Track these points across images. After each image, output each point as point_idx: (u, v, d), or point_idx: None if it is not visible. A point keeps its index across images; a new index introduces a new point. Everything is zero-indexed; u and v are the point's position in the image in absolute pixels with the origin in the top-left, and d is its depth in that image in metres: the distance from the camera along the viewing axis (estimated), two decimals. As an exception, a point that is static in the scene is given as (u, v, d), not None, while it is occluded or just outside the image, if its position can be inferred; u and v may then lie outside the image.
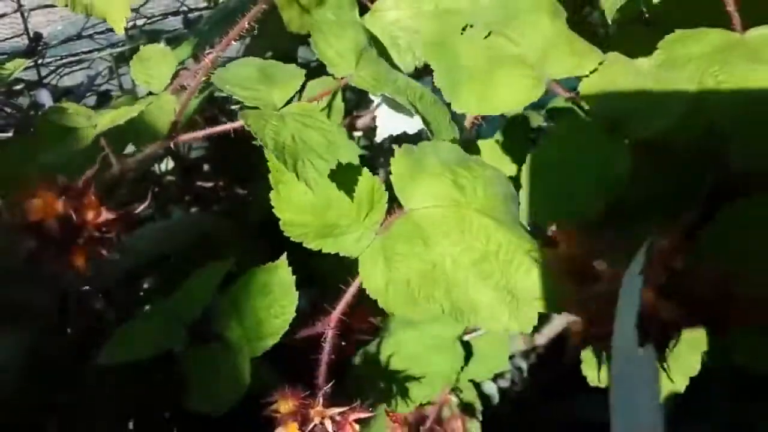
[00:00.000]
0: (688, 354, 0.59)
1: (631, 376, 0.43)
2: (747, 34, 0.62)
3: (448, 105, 0.68)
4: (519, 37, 0.66)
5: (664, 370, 0.52)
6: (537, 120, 1.04)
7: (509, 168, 0.83)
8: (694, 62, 0.61)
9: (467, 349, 0.84)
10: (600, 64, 0.64)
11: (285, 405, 0.63)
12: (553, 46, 0.65)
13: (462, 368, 0.83)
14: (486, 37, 0.67)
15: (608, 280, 0.50)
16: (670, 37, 0.63)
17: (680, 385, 0.61)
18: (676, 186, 0.66)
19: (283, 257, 0.71)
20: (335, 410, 0.63)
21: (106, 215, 0.61)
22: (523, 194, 0.62)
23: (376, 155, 0.70)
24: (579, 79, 0.64)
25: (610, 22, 0.69)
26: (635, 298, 0.45)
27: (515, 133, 0.91)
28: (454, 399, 0.84)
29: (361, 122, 0.90)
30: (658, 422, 0.39)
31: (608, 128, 0.60)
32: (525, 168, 0.63)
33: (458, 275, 0.60)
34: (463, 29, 0.69)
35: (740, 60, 0.60)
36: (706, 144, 0.61)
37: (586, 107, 0.64)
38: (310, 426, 0.62)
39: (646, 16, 0.75)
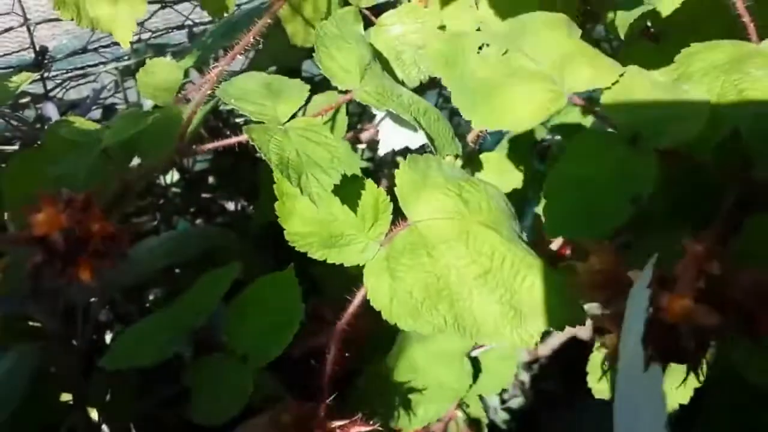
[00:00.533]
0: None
1: (636, 395, 0.43)
2: (763, 44, 0.62)
3: (456, 115, 0.68)
4: (536, 53, 0.66)
5: (697, 376, 0.51)
6: (541, 133, 1.04)
7: (514, 180, 0.84)
8: (712, 73, 0.61)
9: (475, 364, 0.83)
10: (620, 76, 0.64)
11: (286, 416, 0.63)
12: (571, 60, 0.65)
13: (470, 385, 0.82)
14: (503, 54, 0.67)
15: None
16: (687, 51, 0.63)
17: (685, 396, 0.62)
18: (700, 197, 0.66)
19: (290, 268, 0.71)
20: (337, 423, 0.63)
21: (110, 228, 0.61)
22: (545, 209, 0.62)
23: (379, 168, 0.70)
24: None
25: (623, 37, 0.70)
26: (642, 315, 0.45)
27: (520, 146, 0.91)
28: (460, 414, 0.84)
29: (364, 135, 0.90)
30: None
31: (630, 139, 0.60)
32: (545, 183, 0.62)
33: (462, 288, 0.60)
34: (479, 48, 0.69)
35: (760, 69, 0.60)
36: (728, 154, 0.61)
37: (601, 120, 0.64)
38: None
39: (651, 31, 0.76)
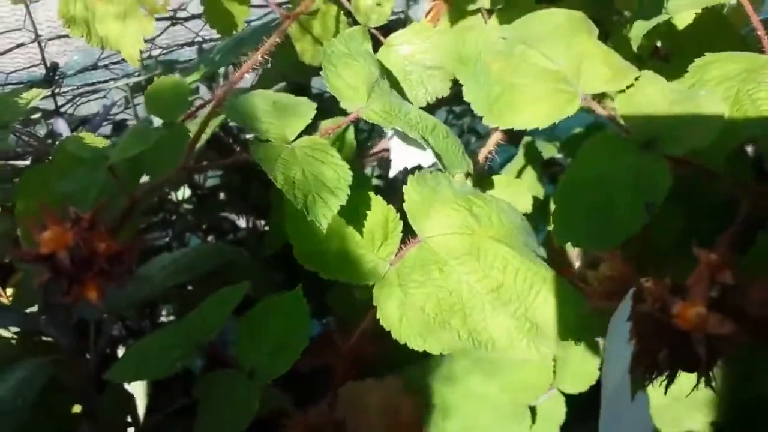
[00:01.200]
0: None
1: (622, 423, 0.43)
2: (777, 57, 0.62)
3: (467, 132, 0.68)
4: (554, 53, 0.66)
5: (713, 389, 0.51)
6: (551, 150, 1.04)
7: (524, 203, 0.83)
8: (726, 83, 0.60)
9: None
10: (635, 80, 0.63)
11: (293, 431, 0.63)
12: (588, 61, 0.64)
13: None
14: (520, 52, 0.67)
15: (654, 299, 0.49)
16: (700, 61, 0.62)
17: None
18: (713, 208, 0.66)
19: (299, 287, 0.71)
20: None
21: (116, 247, 0.61)
22: (555, 216, 0.61)
23: (391, 186, 0.70)
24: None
25: (635, 49, 0.69)
26: (625, 345, 0.45)
27: (530, 167, 0.91)
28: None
29: (375, 154, 0.90)
30: None
31: (644, 145, 0.60)
32: (557, 188, 0.62)
33: (475, 303, 0.60)
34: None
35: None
36: (741, 166, 0.61)
37: (614, 123, 0.63)
38: None
39: (659, 48, 0.76)
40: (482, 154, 0.79)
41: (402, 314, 0.61)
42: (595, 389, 0.70)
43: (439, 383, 0.74)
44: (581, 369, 0.72)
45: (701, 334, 0.47)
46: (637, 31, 0.68)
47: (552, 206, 0.61)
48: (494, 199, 0.65)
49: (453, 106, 1.33)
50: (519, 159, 0.91)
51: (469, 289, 0.60)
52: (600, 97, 0.65)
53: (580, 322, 0.59)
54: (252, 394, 0.67)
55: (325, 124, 0.72)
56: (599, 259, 0.55)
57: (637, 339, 0.47)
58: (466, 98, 0.67)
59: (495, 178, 0.83)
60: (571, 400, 0.72)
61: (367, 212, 0.66)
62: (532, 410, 0.73)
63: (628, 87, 0.62)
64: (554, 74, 0.64)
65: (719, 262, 0.49)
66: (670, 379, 0.50)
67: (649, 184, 0.58)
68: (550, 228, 0.65)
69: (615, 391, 0.45)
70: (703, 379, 0.50)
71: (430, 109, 0.77)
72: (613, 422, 0.45)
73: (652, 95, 0.62)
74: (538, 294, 0.60)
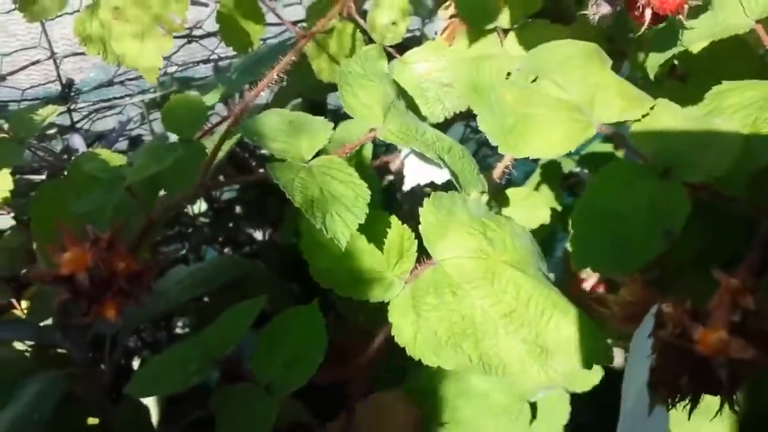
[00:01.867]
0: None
1: None
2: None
3: (483, 146, 0.68)
4: (566, 82, 0.66)
5: (735, 411, 0.50)
6: (569, 165, 1.04)
7: (542, 215, 0.83)
8: (744, 110, 0.60)
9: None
10: (650, 109, 0.63)
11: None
12: (602, 91, 0.64)
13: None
14: (533, 81, 0.67)
15: (675, 324, 0.49)
16: (717, 88, 0.62)
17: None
18: (732, 233, 0.65)
19: (315, 302, 0.72)
20: None
21: (135, 267, 0.62)
22: (573, 241, 0.61)
23: (405, 201, 0.70)
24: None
25: (652, 78, 0.69)
26: (645, 360, 0.44)
27: (549, 180, 0.91)
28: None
29: (391, 167, 0.91)
30: None
31: (661, 172, 0.59)
32: (573, 213, 0.62)
33: (488, 327, 0.60)
34: (508, 75, 0.69)
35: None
36: (760, 190, 0.61)
37: (631, 151, 0.63)
38: None
39: (676, 66, 0.75)
40: (498, 170, 0.79)
41: (416, 332, 0.62)
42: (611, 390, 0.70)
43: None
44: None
45: (723, 358, 0.47)
46: (653, 62, 0.68)
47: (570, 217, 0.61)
48: (508, 222, 0.65)
49: (469, 121, 1.33)
50: (537, 174, 0.91)
51: (482, 313, 0.61)
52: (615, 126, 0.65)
53: (592, 347, 0.59)
54: (269, 407, 0.67)
55: (338, 135, 0.72)
56: (619, 283, 0.55)
57: (659, 364, 0.47)
58: (481, 128, 0.67)
59: (512, 191, 0.84)
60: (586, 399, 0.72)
61: (383, 231, 0.66)
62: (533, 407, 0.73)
63: (643, 116, 0.62)
64: (567, 104, 0.64)
65: (740, 286, 0.49)
66: (693, 404, 0.49)
67: (667, 212, 0.58)
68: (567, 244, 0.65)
69: (634, 406, 0.45)
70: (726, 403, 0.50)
71: (447, 124, 0.77)
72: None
73: (667, 123, 0.61)
74: (550, 320, 0.60)
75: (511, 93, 0.66)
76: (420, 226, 0.65)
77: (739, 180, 0.58)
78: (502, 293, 0.61)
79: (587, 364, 0.59)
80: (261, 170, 0.68)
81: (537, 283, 0.61)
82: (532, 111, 0.64)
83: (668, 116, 0.62)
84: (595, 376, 0.71)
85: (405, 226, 0.67)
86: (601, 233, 0.59)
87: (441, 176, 0.71)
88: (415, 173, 0.73)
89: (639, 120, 0.62)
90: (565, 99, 0.65)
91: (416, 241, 0.66)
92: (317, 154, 0.67)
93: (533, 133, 0.64)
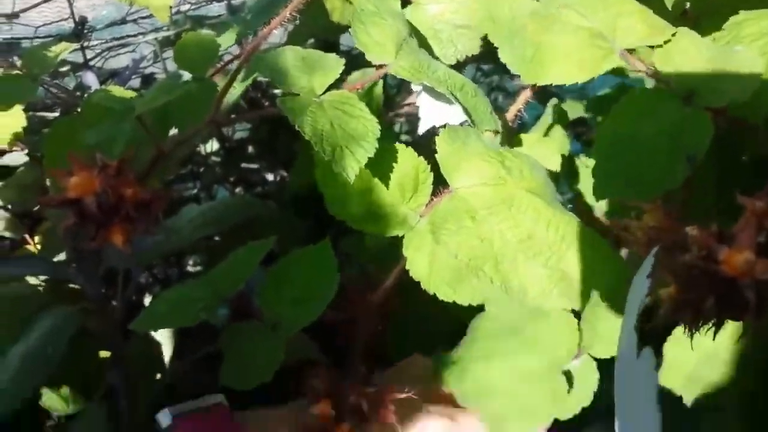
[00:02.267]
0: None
1: (631, 379, 0.43)
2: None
3: (494, 90, 0.68)
4: (590, 11, 0.66)
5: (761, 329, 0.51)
6: (578, 110, 1.03)
7: (553, 162, 0.83)
8: (762, 39, 0.60)
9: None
10: (672, 35, 0.63)
11: (319, 381, 0.64)
12: (624, 18, 0.64)
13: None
14: (555, 11, 0.66)
15: (700, 247, 0.49)
16: (735, 19, 0.62)
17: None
18: (747, 164, 0.65)
19: (327, 239, 0.72)
20: (372, 389, 0.63)
21: (143, 194, 0.62)
22: (596, 169, 0.61)
23: (419, 143, 0.70)
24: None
25: (669, 8, 0.69)
26: (638, 303, 0.44)
27: (558, 126, 0.90)
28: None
29: (402, 106, 0.90)
30: (655, 426, 0.39)
31: (684, 97, 0.59)
32: (596, 141, 0.62)
33: (506, 252, 0.61)
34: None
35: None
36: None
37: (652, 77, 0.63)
38: (345, 403, 0.62)
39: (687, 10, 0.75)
40: (511, 113, 0.79)
41: (432, 264, 0.62)
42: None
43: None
44: (610, 333, 0.71)
45: (749, 279, 0.47)
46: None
47: (578, 165, 0.61)
48: (524, 154, 0.65)
49: (481, 64, 1.32)
50: (546, 118, 0.90)
51: (501, 237, 0.61)
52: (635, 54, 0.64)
53: (612, 272, 0.59)
54: (276, 345, 0.67)
55: (354, 78, 0.71)
56: (641, 210, 0.55)
57: (681, 288, 0.47)
58: (502, 59, 0.67)
59: (523, 136, 0.83)
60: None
61: (398, 164, 0.66)
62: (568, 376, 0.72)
63: (665, 42, 0.62)
64: (590, 31, 0.64)
65: (766, 208, 0.48)
66: (717, 327, 0.49)
67: (691, 136, 0.58)
68: (578, 186, 0.65)
69: (625, 348, 0.45)
70: (741, 333, 0.49)
71: (458, 67, 0.77)
72: (624, 381, 0.45)
73: (689, 50, 0.61)
74: (570, 245, 0.60)
75: (533, 22, 0.66)
76: (436, 156, 0.65)
77: (760, 109, 0.58)
78: (520, 218, 0.61)
79: (609, 292, 0.59)
80: (273, 108, 0.68)
81: (555, 210, 0.61)
82: (554, 39, 0.65)
83: (690, 44, 0.62)
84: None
85: (421, 158, 0.67)
86: (625, 159, 0.60)
87: (456, 117, 0.70)
88: (429, 114, 0.73)
89: (661, 46, 0.62)
90: (587, 26, 0.64)
91: (432, 173, 0.66)
92: (329, 90, 0.67)
93: (555, 60, 0.64)
